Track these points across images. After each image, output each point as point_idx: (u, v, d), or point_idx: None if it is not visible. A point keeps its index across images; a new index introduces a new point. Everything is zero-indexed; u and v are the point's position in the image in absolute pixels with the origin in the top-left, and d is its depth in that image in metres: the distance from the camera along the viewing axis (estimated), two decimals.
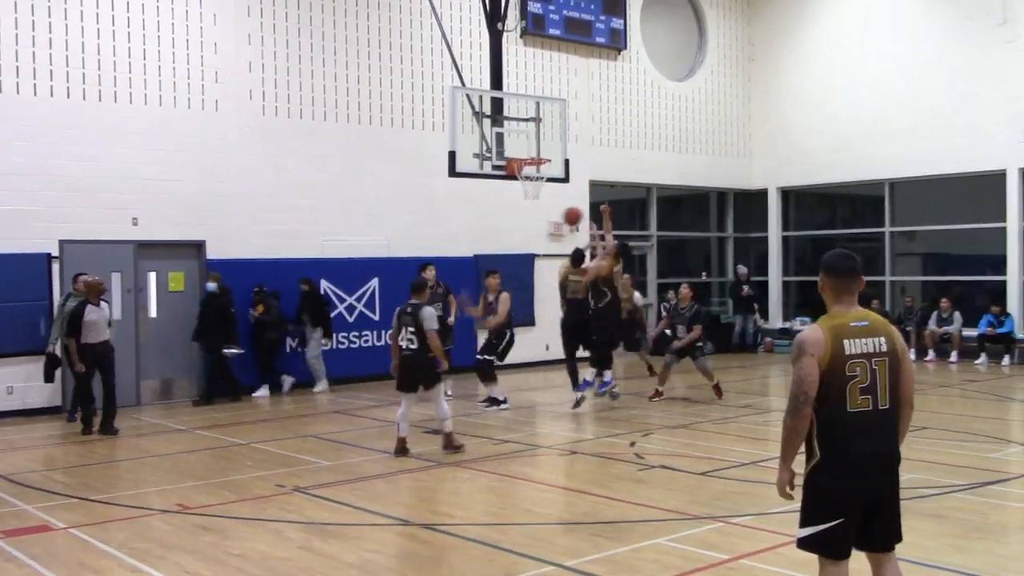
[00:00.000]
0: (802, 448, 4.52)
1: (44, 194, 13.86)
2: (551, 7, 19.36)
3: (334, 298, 16.58)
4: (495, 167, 14.20)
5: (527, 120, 14.48)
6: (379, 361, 15.72)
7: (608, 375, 13.35)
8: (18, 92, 13.75)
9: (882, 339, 4.43)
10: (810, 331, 4.42)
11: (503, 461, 10.00)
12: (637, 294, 17.23)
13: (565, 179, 15.03)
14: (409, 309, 10.28)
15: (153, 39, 14.87)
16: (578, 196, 19.58)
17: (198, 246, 15.33)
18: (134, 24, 14.71)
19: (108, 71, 14.47)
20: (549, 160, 14.31)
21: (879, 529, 4.48)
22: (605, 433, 11.70)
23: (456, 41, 17.78)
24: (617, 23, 20.37)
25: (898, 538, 4.57)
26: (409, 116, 17.60)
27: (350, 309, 16.68)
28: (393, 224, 17.25)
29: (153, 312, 15.01)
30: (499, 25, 15.91)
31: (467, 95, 14.48)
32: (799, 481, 4.56)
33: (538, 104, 14.71)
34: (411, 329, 10.18)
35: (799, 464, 4.53)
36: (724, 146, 22.74)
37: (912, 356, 18.76)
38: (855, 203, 23.40)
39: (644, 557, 6.53)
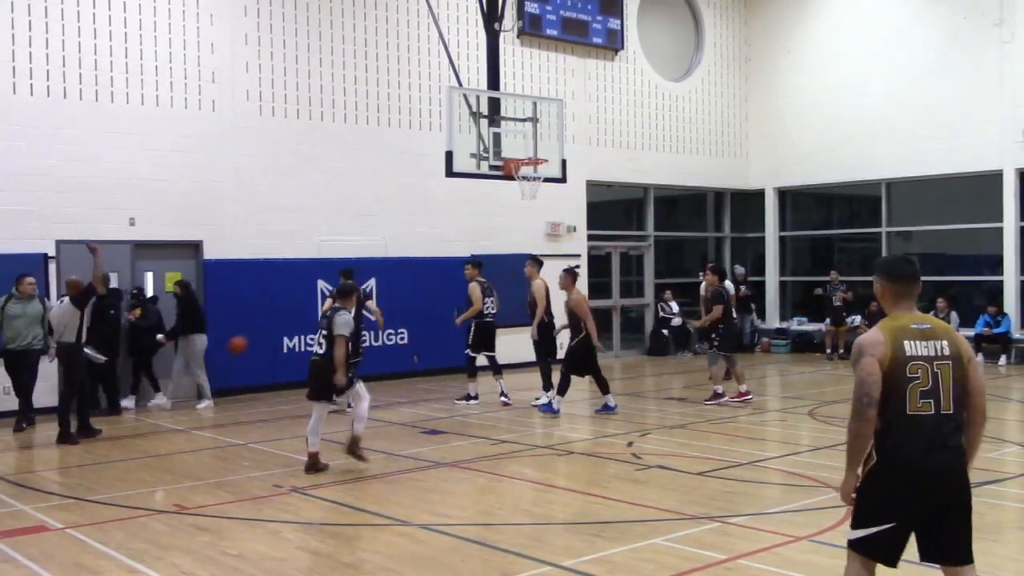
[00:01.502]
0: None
1: (41, 194, 13.85)
2: (548, 7, 19.37)
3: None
4: (492, 167, 14.22)
5: (524, 120, 14.50)
6: (373, 362, 15.75)
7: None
8: (15, 92, 13.74)
9: (944, 343, 4.35)
10: (870, 332, 4.41)
11: (500, 461, 10.00)
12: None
13: (562, 179, 15.06)
14: (329, 312, 9.75)
15: (150, 39, 14.87)
16: (575, 196, 19.65)
17: (195, 246, 15.32)
18: (131, 24, 14.71)
19: (105, 71, 14.46)
20: (546, 160, 14.33)
21: (945, 540, 4.35)
22: (602, 433, 11.70)
23: (453, 41, 17.78)
24: (614, 23, 20.38)
25: (966, 557, 4.38)
26: (406, 116, 17.60)
27: None
28: (390, 224, 17.25)
29: None
30: (496, 25, 15.90)
31: (464, 95, 14.50)
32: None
33: (535, 104, 14.73)
34: (324, 332, 9.57)
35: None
36: (721, 146, 22.75)
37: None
38: (852, 203, 23.43)
39: (641, 557, 6.53)
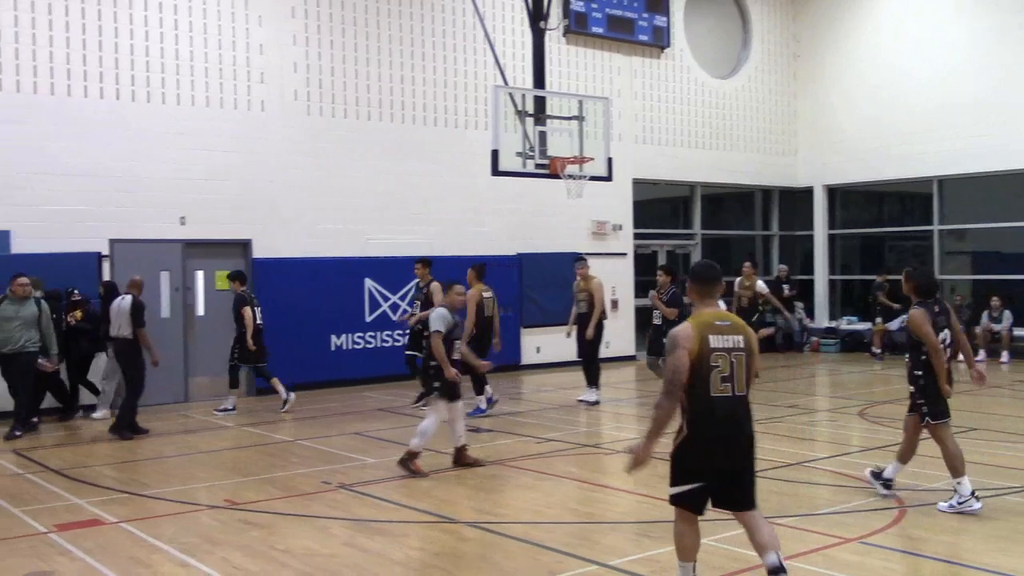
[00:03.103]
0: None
1: (94, 194, 14.10)
2: (594, 5, 19.33)
3: (378, 296, 16.69)
4: (538, 166, 14.23)
5: (570, 119, 14.50)
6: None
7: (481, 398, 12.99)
8: (69, 94, 14.00)
9: (740, 338, 5.31)
10: (682, 328, 5.28)
11: (547, 460, 10.00)
12: (760, 282, 16.74)
13: (608, 178, 15.05)
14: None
15: (200, 41, 15.07)
16: (621, 194, 19.60)
17: (244, 245, 15.51)
18: (181, 26, 14.92)
19: (156, 72, 14.69)
20: (592, 159, 14.32)
21: (737, 494, 5.39)
22: None
23: (499, 40, 17.81)
24: (660, 21, 20.28)
25: (752, 504, 5.40)
26: (452, 115, 17.66)
27: (394, 308, 16.76)
28: (436, 223, 17.32)
29: (201, 310, 15.22)
30: (542, 24, 15.91)
31: (510, 94, 14.52)
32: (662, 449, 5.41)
33: (581, 103, 14.72)
34: (426, 332, 9.38)
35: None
36: (769, 144, 22.55)
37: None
38: (903, 201, 23.11)
39: None
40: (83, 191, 14.02)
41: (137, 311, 11.98)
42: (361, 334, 16.51)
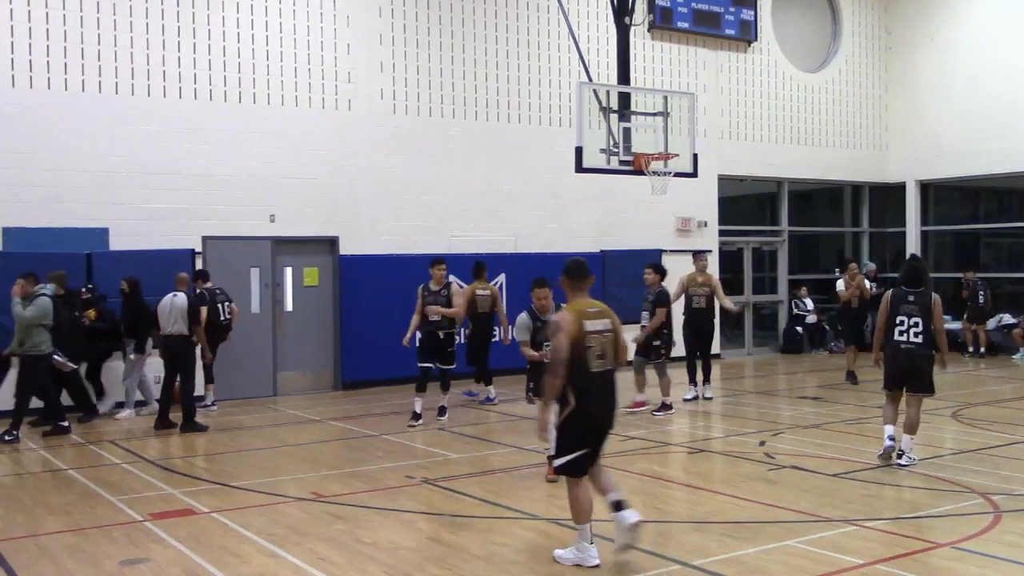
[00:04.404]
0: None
1: (187, 192, 14.48)
2: (679, 0, 19.13)
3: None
4: (622, 162, 14.18)
5: (655, 115, 14.41)
6: (505, 356, 15.85)
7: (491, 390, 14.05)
8: (165, 95, 14.39)
9: (608, 321, 6.40)
10: (562, 314, 6.32)
11: (631, 458, 9.95)
12: (867, 282, 16.41)
13: (693, 174, 14.91)
14: None
15: (289, 41, 15.36)
16: (707, 191, 19.38)
17: (332, 242, 15.76)
18: (271, 27, 15.23)
19: (247, 73, 15.02)
20: (677, 155, 14.20)
21: (600, 449, 6.49)
22: (734, 432, 11.51)
23: (583, 36, 17.77)
24: (747, 14, 19.99)
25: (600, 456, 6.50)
26: (536, 112, 17.68)
27: None
28: (520, 220, 17.37)
29: (289, 306, 15.51)
30: (626, 19, 15.84)
31: (594, 90, 14.49)
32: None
33: (666, 98, 14.60)
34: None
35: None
36: (859, 138, 22.05)
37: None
38: (1001, 196, 22.37)
39: (774, 559, 6.41)
40: (177, 190, 14.41)
41: (195, 309, 12.24)
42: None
